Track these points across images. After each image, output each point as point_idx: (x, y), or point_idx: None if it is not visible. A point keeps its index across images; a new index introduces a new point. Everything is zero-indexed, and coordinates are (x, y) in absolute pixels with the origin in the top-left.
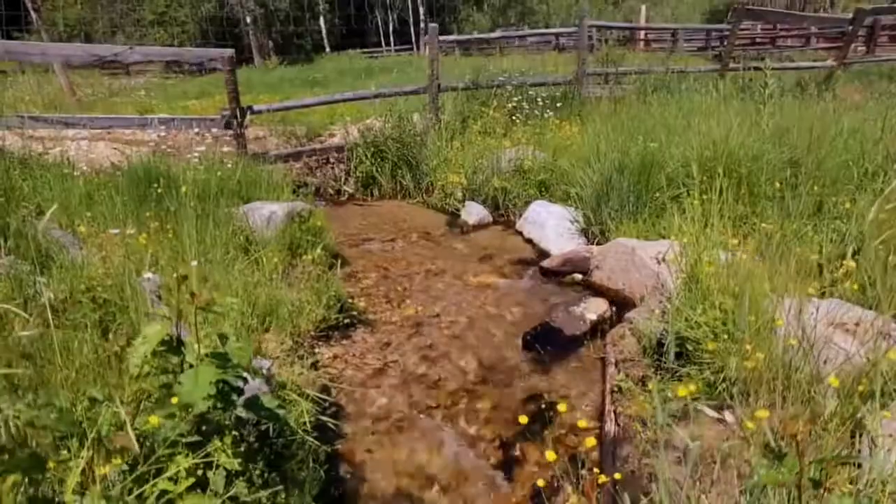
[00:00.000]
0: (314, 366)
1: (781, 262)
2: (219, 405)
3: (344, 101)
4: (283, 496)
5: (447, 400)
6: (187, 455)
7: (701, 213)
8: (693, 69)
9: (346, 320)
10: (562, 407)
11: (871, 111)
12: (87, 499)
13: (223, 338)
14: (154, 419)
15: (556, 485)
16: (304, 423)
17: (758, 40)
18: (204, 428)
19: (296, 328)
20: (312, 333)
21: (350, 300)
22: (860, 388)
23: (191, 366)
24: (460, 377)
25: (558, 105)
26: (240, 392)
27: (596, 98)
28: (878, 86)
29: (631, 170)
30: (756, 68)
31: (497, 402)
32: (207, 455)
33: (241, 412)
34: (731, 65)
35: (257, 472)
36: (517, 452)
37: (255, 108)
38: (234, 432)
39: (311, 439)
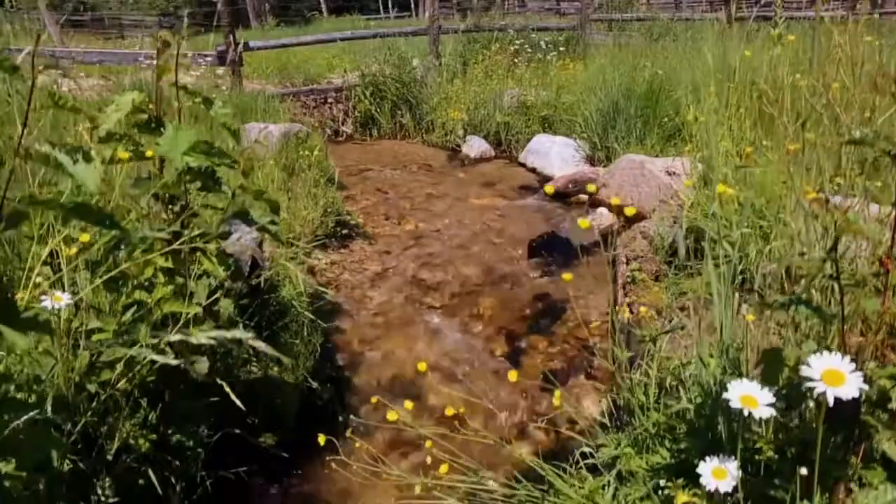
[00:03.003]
0: (310, 271)
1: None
2: (204, 181)
3: (343, 39)
4: (276, 369)
5: (450, 300)
6: (166, 258)
7: (717, 104)
8: (699, 17)
9: (344, 231)
10: (571, 304)
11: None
12: None
13: (207, 101)
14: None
15: (566, 372)
16: (301, 294)
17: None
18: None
19: (291, 230)
20: (308, 238)
21: (348, 215)
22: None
23: None
24: (463, 280)
25: (561, 49)
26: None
27: (600, 43)
28: (891, 38)
29: (638, 95)
30: (764, 17)
31: (502, 302)
32: (185, 254)
33: (226, 227)
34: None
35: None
36: (524, 344)
37: (251, 43)
38: (219, 241)
39: (307, 313)
